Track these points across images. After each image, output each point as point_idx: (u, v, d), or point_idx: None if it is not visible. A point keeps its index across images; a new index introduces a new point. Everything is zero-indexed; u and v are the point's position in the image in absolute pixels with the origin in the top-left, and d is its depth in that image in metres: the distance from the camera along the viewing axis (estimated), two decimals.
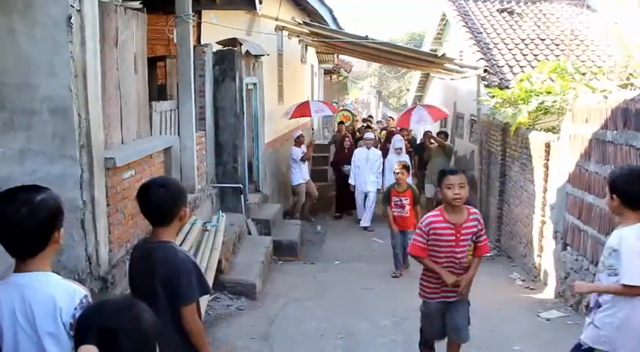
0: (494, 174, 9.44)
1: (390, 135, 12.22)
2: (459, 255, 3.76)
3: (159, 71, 7.15)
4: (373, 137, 10.97)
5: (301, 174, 10.40)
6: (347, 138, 11.70)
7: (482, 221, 3.85)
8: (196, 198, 6.26)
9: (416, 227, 4.15)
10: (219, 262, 5.67)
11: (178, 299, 2.45)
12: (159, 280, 2.46)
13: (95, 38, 3.66)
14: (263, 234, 8.03)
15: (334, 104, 18.77)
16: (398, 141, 10.54)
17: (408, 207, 7.15)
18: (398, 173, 7.17)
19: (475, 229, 3.78)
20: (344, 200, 11.30)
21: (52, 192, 1.92)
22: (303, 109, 11.08)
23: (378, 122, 21.66)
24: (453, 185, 3.65)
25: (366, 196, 10.43)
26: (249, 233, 7.70)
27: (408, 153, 10.88)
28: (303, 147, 10.52)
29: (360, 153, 10.50)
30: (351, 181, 10.50)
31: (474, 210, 3.86)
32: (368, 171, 10.33)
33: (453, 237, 3.73)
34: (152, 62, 6.43)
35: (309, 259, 8.31)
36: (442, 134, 11.37)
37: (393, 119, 16.24)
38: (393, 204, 7.17)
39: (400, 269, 7.24)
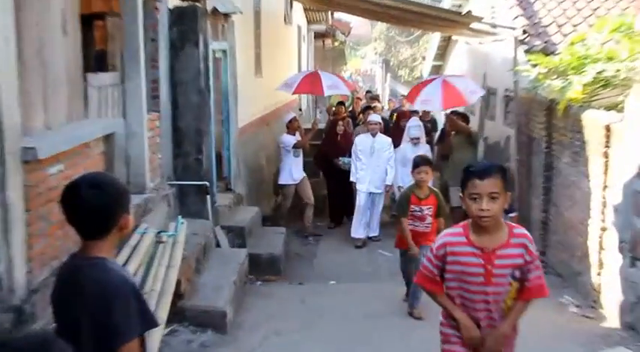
0: (536, 166, 9.44)
1: (401, 118, 12.16)
2: (490, 297, 3.33)
3: (97, 33, 7.03)
4: (380, 121, 10.50)
5: (290, 173, 10.35)
6: (341, 123, 11.33)
7: (533, 247, 3.34)
8: (147, 200, 6.25)
9: None
10: (178, 284, 5.66)
11: (113, 337, 2.38)
12: (86, 310, 2.39)
13: None
14: (236, 245, 8.12)
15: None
16: (414, 127, 10.24)
17: (429, 220, 6.72)
18: (420, 173, 6.67)
19: (520, 260, 3.30)
20: (340, 205, 11.17)
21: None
22: (312, 82, 10.94)
23: (389, 100, 21.62)
24: (480, 195, 3.17)
25: (371, 200, 10.23)
26: (218, 245, 7.76)
27: (427, 143, 10.61)
28: (299, 135, 10.43)
29: (363, 142, 10.17)
30: (352, 179, 10.21)
31: (519, 229, 3.37)
32: (374, 165, 10.02)
33: (482, 270, 3.29)
34: (87, 21, 6.31)
35: (296, 278, 8.36)
36: (459, 116, 10.89)
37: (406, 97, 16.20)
38: (410, 214, 6.72)
39: (418, 308, 6.68)
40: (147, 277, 5.30)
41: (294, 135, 10.37)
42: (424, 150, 9.78)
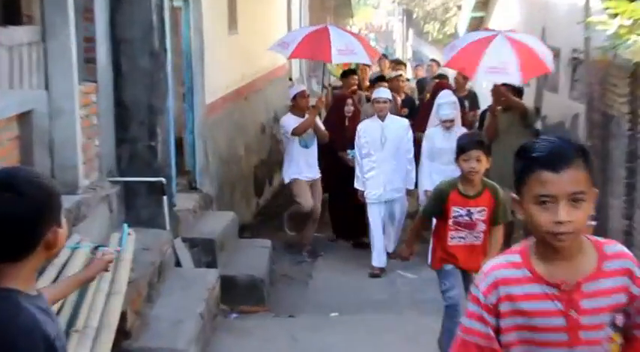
0: (616, 155, 9.43)
1: (438, 92, 12.00)
2: None
3: None
4: (389, 97, 10.19)
5: (297, 166, 10.24)
6: (349, 101, 11.10)
7: None
8: (80, 203, 6.25)
9: None
10: (123, 317, 5.62)
11: None
12: None
13: None
14: (203, 264, 8.18)
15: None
16: (446, 105, 9.61)
17: (481, 228, 6.48)
18: (469, 160, 6.20)
19: (623, 297, 2.66)
20: (343, 215, 10.95)
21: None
22: (317, 43, 10.61)
23: (416, 67, 21.50)
24: (556, 198, 2.54)
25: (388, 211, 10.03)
26: (179, 263, 7.80)
27: (465, 126, 10.23)
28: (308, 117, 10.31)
29: (369, 130, 9.87)
30: (357, 185, 9.95)
31: (612, 247, 2.74)
32: (387, 161, 9.78)
33: (562, 322, 2.67)
34: None
35: (284, 309, 8.39)
36: (510, 89, 10.33)
37: (437, 63, 15.94)
38: (451, 221, 6.40)
39: None
40: (79, 309, 5.26)
41: (303, 117, 10.17)
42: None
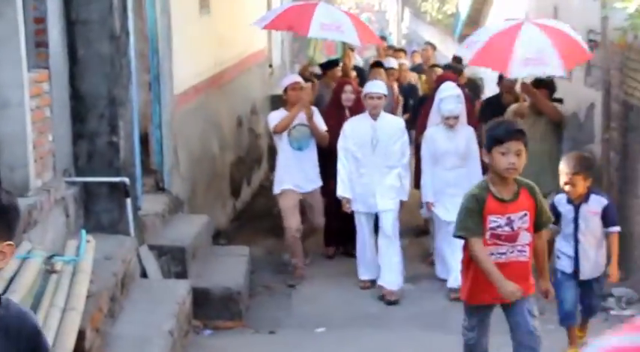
0: (635, 149, 9.50)
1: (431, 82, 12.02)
2: None
3: None
4: (384, 92, 9.57)
5: (287, 173, 9.74)
6: (347, 86, 10.43)
7: None
8: (31, 207, 6.24)
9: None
10: (81, 336, 5.59)
11: None
12: None
13: None
14: (173, 275, 8.23)
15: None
16: (449, 99, 9.08)
17: (526, 239, 5.88)
18: (508, 153, 5.67)
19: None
20: (339, 224, 10.37)
21: None
22: (298, 15, 10.81)
23: (413, 53, 21.49)
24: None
25: (376, 223, 9.45)
26: (145, 274, 7.85)
27: (472, 125, 9.63)
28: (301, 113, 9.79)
29: (357, 129, 9.35)
30: (340, 192, 9.38)
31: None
32: (379, 166, 9.26)
33: None
34: None
35: (265, 324, 8.41)
36: (541, 86, 10.04)
37: (432, 47, 15.93)
38: (488, 234, 5.87)
39: None
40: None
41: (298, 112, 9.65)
42: (466, 135, 9.19)
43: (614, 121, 10.02)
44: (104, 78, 7.43)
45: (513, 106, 9.92)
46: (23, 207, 5.92)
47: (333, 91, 11.01)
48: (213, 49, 11.72)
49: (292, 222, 9.63)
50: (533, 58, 9.05)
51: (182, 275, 8.15)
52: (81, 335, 5.54)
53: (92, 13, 7.29)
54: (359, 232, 9.52)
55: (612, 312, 8.21)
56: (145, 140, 8.86)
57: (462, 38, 21.95)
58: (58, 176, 7.13)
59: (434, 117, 9.60)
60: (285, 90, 9.88)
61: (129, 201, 7.57)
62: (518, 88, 10.62)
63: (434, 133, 9.28)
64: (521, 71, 9.39)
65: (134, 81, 7.97)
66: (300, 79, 10.16)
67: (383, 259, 9.20)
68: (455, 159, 8.94)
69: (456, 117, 9.04)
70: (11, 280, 5.39)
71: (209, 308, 8.08)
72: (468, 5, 21.03)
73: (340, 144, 9.32)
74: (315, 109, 9.91)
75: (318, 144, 9.83)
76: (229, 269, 8.86)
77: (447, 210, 8.69)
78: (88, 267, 6.09)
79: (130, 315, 6.75)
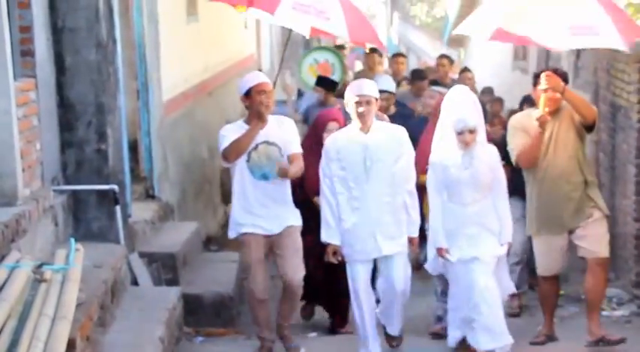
0: (624, 149, 9.46)
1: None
2: None
3: None
4: (375, 95, 7.08)
5: (247, 210, 7.15)
6: (332, 123, 7.99)
7: None
8: (20, 216, 6.18)
9: None
10: (71, 345, 5.52)
11: None
12: None
13: None
14: (164, 282, 8.21)
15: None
16: (462, 105, 6.94)
17: None
18: None
19: None
20: (325, 280, 8.01)
21: None
22: None
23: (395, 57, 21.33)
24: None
25: (374, 274, 7.35)
26: (135, 282, 7.81)
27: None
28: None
29: (345, 145, 7.03)
30: (325, 237, 7.11)
31: None
32: (375, 194, 6.96)
33: None
34: None
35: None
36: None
37: (449, 60, 13.54)
38: None
39: None
40: (20, 336, 5.17)
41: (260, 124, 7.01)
42: (487, 157, 7.00)
43: (603, 122, 9.98)
44: (92, 86, 7.40)
45: (524, 114, 7.76)
46: (11, 216, 6.03)
47: (313, 125, 8.58)
48: (202, 55, 11.74)
49: (257, 280, 7.10)
50: (582, 25, 7.28)
51: (173, 282, 8.13)
52: (71, 344, 5.46)
53: (79, 21, 7.28)
54: (354, 290, 7.08)
55: (603, 313, 8.13)
56: (133, 147, 8.87)
57: (451, 41, 22.11)
58: (47, 185, 7.10)
59: (438, 131, 7.22)
60: (248, 93, 6.98)
61: (118, 208, 7.54)
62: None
63: (443, 158, 6.96)
64: (568, 42, 7.61)
65: (122, 88, 7.98)
66: (267, 80, 7.21)
67: (384, 310, 7.31)
68: (473, 191, 6.82)
69: (473, 132, 6.76)
70: (0, 289, 5.36)
71: (201, 314, 8.06)
72: (456, 8, 21.09)
73: (322, 170, 7.04)
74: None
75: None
76: (220, 275, 8.82)
77: (461, 249, 6.87)
78: (77, 276, 6.03)
79: (120, 323, 6.71)
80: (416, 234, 7.15)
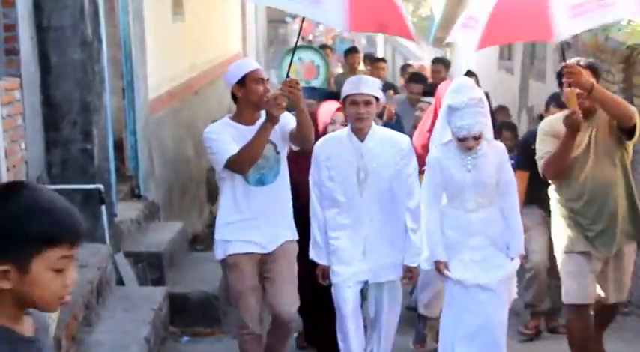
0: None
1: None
2: None
3: None
4: (374, 94, 5.97)
5: (239, 225, 5.89)
6: (337, 115, 6.86)
7: None
8: None
9: None
10: (57, 344, 5.57)
11: None
12: None
13: None
14: (149, 282, 8.18)
15: (292, 21, 17.36)
16: (466, 107, 5.81)
17: None
18: None
19: None
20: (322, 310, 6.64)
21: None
22: None
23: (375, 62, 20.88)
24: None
25: (363, 300, 6.37)
26: (121, 281, 7.80)
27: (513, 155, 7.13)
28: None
29: (335, 152, 6.03)
30: (313, 255, 6.14)
31: None
32: (370, 210, 6.02)
33: None
34: None
35: None
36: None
37: (445, 65, 12.59)
38: None
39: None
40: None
41: (252, 124, 5.75)
42: (495, 158, 6.07)
43: None
44: (77, 85, 7.39)
45: (557, 117, 6.30)
46: None
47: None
48: (188, 55, 11.75)
49: (250, 311, 5.82)
50: (585, 2, 5.74)
51: (159, 281, 8.12)
52: (56, 344, 5.50)
53: (64, 20, 7.25)
54: (340, 315, 6.06)
55: None
56: (119, 146, 8.85)
57: (437, 41, 22.13)
58: None
59: (436, 135, 6.46)
60: (242, 81, 5.65)
61: (104, 208, 7.53)
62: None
63: (442, 156, 6.00)
64: (574, 25, 5.95)
65: (107, 87, 7.96)
66: (259, 67, 5.91)
67: (374, 338, 6.30)
68: (477, 195, 5.89)
69: (477, 138, 5.78)
70: None
71: (187, 314, 8.02)
72: (442, 8, 21.11)
73: (312, 178, 6.02)
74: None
75: (302, 147, 5.91)
76: (207, 274, 8.73)
77: (466, 268, 5.92)
78: None
79: (106, 323, 6.72)
80: (415, 263, 5.99)
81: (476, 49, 6.58)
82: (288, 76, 6.00)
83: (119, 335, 6.50)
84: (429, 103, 7.80)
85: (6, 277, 2.16)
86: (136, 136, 9.12)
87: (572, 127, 5.70)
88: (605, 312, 6.31)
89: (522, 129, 11.18)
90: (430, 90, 8.93)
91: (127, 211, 8.60)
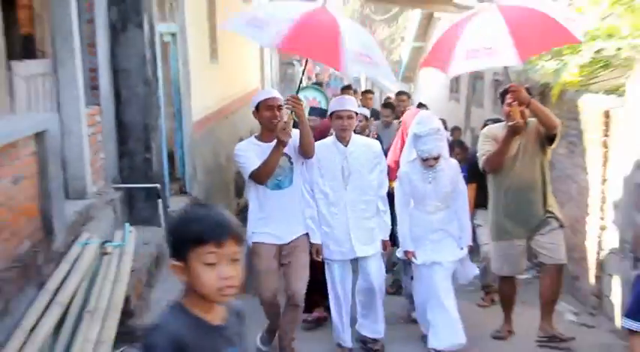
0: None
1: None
2: None
3: (21, 14, 6.92)
4: (356, 110, 5.92)
5: (262, 218, 5.64)
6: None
7: None
8: (89, 207, 6.21)
9: None
10: (127, 301, 5.62)
11: None
12: None
13: None
14: None
15: (298, 63, 16.98)
16: (428, 136, 5.85)
17: None
18: None
19: None
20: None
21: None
22: (321, 36, 5.38)
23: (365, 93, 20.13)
24: None
25: (353, 273, 6.13)
26: None
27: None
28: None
29: (324, 155, 5.82)
30: (310, 238, 5.83)
31: None
32: (353, 201, 5.86)
33: None
34: (9, 1, 6.20)
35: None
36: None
37: (407, 96, 11.91)
38: None
39: None
40: (90, 294, 5.29)
41: (270, 141, 5.41)
42: (450, 173, 6.03)
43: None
44: (140, 111, 7.37)
45: (496, 126, 6.42)
46: (83, 207, 6.07)
47: (319, 130, 7.06)
48: (221, 88, 11.71)
49: (268, 288, 5.63)
50: (481, 47, 5.49)
51: None
52: (127, 300, 5.58)
53: (131, 64, 7.24)
54: (331, 286, 5.98)
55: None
56: (171, 156, 8.82)
57: (405, 78, 22.16)
58: (108, 184, 7.09)
59: (405, 153, 6.36)
60: (257, 107, 5.48)
61: (160, 201, 7.51)
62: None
63: (410, 172, 6.02)
64: (462, 67, 5.82)
65: (162, 113, 7.95)
66: (278, 95, 5.61)
67: (365, 310, 6.10)
68: (436, 201, 5.93)
69: (437, 158, 5.85)
70: (75, 261, 5.42)
71: None
72: (407, 55, 21.13)
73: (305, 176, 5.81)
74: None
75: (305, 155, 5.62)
76: None
77: (426, 253, 6.02)
78: (130, 250, 6.10)
79: (161, 285, 6.69)
80: (387, 237, 5.99)
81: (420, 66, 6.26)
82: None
83: (171, 294, 6.23)
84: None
85: (182, 272, 2.26)
86: (183, 149, 9.07)
87: (515, 132, 5.79)
88: (549, 274, 6.17)
89: (467, 143, 11.19)
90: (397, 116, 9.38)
91: (177, 203, 8.42)
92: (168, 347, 2.19)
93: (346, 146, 5.75)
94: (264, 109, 5.39)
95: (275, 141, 5.25)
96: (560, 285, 6.24)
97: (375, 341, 6.09)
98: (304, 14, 5.26)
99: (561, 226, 6.19)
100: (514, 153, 6.03)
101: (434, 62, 6.45)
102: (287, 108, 5.37)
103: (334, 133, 5.87)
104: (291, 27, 5.11)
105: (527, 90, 6.11)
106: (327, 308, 6.23)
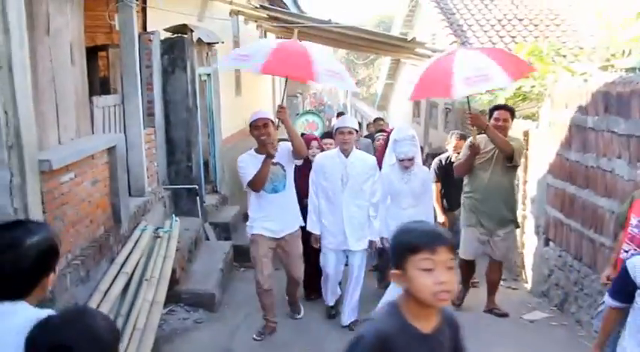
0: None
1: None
2: None
3: (100, 62, 7.03)
4: (356, 127, 5.65)
5: (260, 217, 5.25)
6: (314, 142, 6.30)
7: None
8: (146, 202, 6.23)
9: None
10: (174, 271, 5.64)
11: None
12: None
13: (21, 26, 3.57)
14: (222, 238, 7.97)
15: (300, 95, 17.09)
16: (405, 141, 5.58)
17: None
18: None
19: None
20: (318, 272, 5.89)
21: (46, 229, 1.93)
22: (290, 57, 5.07)
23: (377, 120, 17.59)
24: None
25: (346, 265, 5.70)
26: (207, 238, 7.64)
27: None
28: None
29: (328, 163, 5.50)
30: (309, 227, 5.54)
31: None
32: (349, 204, 5.44)
33: None
34: (92, 52, 6.31)
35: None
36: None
37: (383, 120, 11.99)
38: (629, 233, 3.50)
39: None
40: (147, 267, 5.34)
41: (262, 153, 5.04)
42: (422, 177, 5.67)
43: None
44: (183, 131, 7.36)
45: (467, 142, 5.87)
46: (141, 202, 6.06)
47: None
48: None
49: (262, 273, 5.17)
50: (474, 75, 5.08)
51: (227, 238, 7.98)
52: (174, 271, 5.63)
53: (177, 97, 7.23)
54: (325, 270, 5.60)
55: None
56: (206, 164, 8.78)
57: (379, 107, 22.21)
58: (160, 185, 7.11)
59: (387, 158, 5.83)
60: (250, 127, 5.16)
61: (198, 198, 7.50)
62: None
63: (389, 173, 5.65)
64: (465, 90, 5.16)
65: (199, 132, 7.91)
66: (267, 115, 5.14)
67: (346, 296, 5.58)
68: (410, 199, 5.55)
69: (411, 160, 5.52)
70: (136, 242, 5.47)
71: (242, 256, 7.51)
72: (381, 89, 21.18)
73: (311, 179, 5.55)
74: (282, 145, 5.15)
75: (296, 156, 5.12)
76: None
77: None
78: (176, 235, 6.11)
79: (199, 260, 6.69)
80: (375, 238, 5.48)
81: (410, 99, 5.97)
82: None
83: (207, 267, 6.48)
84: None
85: (401, 279, 1.92)
86: (215, 159, 9.02)
87: (473, 151, 5.56)
88: (494, 266, 5.82)
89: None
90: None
91: (210, 200, 8.48)
92: (375, 341, 1.87)
93: (347, 157, 5.37)
94: (253, 129, 5.04)
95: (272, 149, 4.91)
96: (501, 274, 5.94)
97: (350, 325, 5.52)
98: (280, 43, 5.10)
99: (517, 227, 5.91)
100: (488, 158, 5.61)
101: (427, 93, 6.23)
102: (277, 117, 5.09)
103: (338, 146, 5.47)
104: (270, 53, 4.88)
105: (511, 110, 5.75)
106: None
